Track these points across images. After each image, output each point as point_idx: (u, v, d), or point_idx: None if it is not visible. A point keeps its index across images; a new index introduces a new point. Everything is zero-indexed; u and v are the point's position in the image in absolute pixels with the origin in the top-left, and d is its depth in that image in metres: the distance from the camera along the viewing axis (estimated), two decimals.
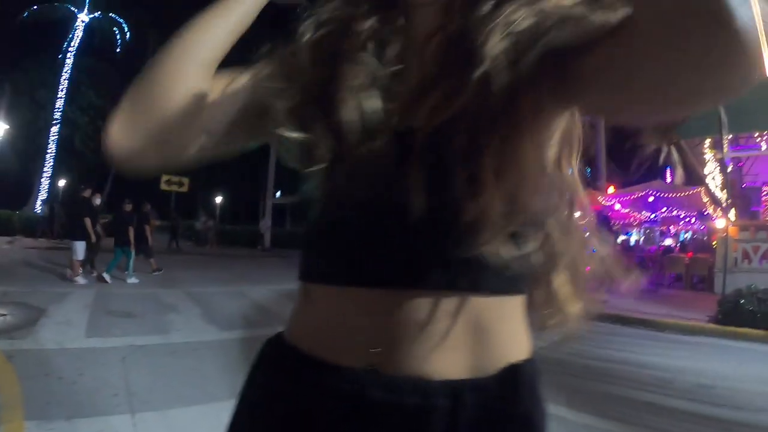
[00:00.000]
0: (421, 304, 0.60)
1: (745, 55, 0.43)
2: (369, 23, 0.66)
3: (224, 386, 4.08)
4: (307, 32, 0.68)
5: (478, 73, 0.55)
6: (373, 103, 0.62)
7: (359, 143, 0.60)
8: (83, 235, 9.77)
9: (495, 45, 0.55)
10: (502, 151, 0.56)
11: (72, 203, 11.22)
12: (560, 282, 0.67)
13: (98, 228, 10.27)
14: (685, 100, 0.51)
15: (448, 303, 0.60)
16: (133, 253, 10.41)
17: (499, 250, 0.58)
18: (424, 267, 0.60)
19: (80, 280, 9.50)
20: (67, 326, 5.86)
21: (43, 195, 29.89)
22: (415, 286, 0.60)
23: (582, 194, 0.68)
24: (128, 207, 10.96)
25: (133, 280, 10.05)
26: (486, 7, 0.58)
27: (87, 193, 10.56)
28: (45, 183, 30.19)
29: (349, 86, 0.62)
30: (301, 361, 0.65)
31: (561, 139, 0.65)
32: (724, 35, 0.42)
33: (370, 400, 0.59)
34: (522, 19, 0.55)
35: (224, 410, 3.22)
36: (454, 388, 0.59)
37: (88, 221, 9.85)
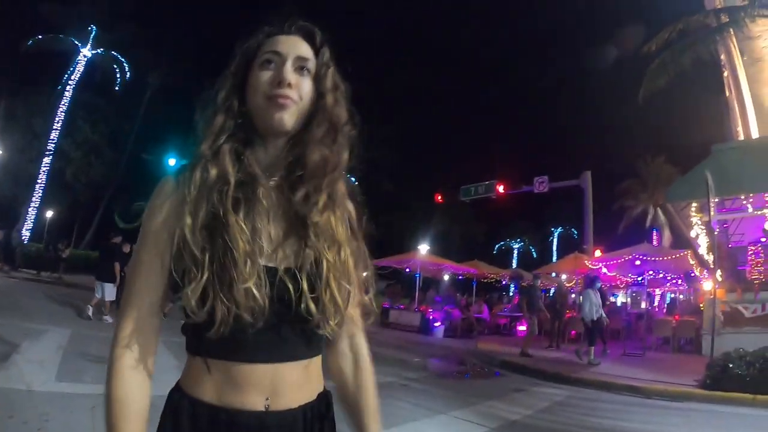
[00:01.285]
0: (288, 370, 1.03)
1: None
2: (235, 218, 0.97)
3: None
4: (187, 220, 0.97)
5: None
6: (249, 295, 0.95)
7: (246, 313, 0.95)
8: (112, 278, 10.77)
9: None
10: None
11: (103, 248, 12.57)
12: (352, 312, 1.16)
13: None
14: None
15: (301, 366, 1.06)
16: None
17: (334, 326, 1.05)
18: (294, 347, 1.04)
19: (109, 318, 10.27)
20: (38, 366, 5.64)
21: (29, 224, 29.43)
22: (286, 361, 1.03)
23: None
24: None
25: None
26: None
27: (117, 239, 11.70)
28: (32, 212, 29.76)
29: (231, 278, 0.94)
30: (210, 408, 1.00)
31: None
32: None
33: (268, 426, 1.00)
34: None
35: None
36: (304, 408, 1.06)
37: (117, 266, 10.89)
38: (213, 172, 1.00)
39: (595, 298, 11.16)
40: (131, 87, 33.29)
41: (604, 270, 16.76)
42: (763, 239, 13.45)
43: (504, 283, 27.05)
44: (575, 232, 44.82)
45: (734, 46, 15.46)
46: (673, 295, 24.70)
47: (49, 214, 36.22)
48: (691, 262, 15.33)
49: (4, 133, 25.72)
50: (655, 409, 6.88)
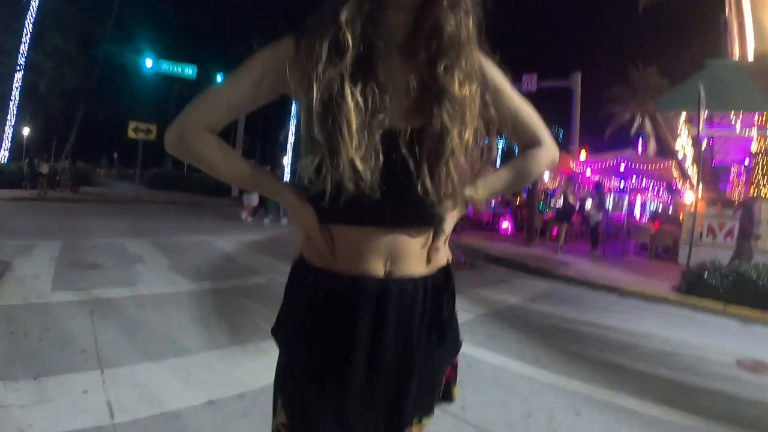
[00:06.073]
0: (407, 240, 1.08)
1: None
2: (356, 89, 0.98)
3: (194, 339, 4.06)
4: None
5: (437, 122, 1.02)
6: (362, 161, 0.97)
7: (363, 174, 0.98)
8: None
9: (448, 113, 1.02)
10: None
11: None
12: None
13: None
14: None
15: (420, 238, 1.10)
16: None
17: (449, 205, 1.08)
18: (410, 217, 1.07)
19: (248, 218, 14.85)
20: (33, 280, 5.70)
21: (7, 144, 28.58)
22: (404, 228, 1.08)
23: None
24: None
25: (266, 221, 14.84)
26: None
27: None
28: (8, 132, 28.80)
29: (345, 146, 0.96)
30: (333, 276, 1.07)
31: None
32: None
33: (390, 290, 1.06)
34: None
35: (194, 364, 3.25)
36: (425, 278, 1.11)
37: None
38: (335, 43, 0.98)
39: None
40: None
41: (588, 173, 16.85)
42: (747, 161, 13.51)
43: None
44: (560, 134, 44.82)
45: None
46: (653, 204, 25.15)
47: (26, 131, 35.15)
48: (675, 173, 15.47)
49: None
50: (630, 308, 7.21)
